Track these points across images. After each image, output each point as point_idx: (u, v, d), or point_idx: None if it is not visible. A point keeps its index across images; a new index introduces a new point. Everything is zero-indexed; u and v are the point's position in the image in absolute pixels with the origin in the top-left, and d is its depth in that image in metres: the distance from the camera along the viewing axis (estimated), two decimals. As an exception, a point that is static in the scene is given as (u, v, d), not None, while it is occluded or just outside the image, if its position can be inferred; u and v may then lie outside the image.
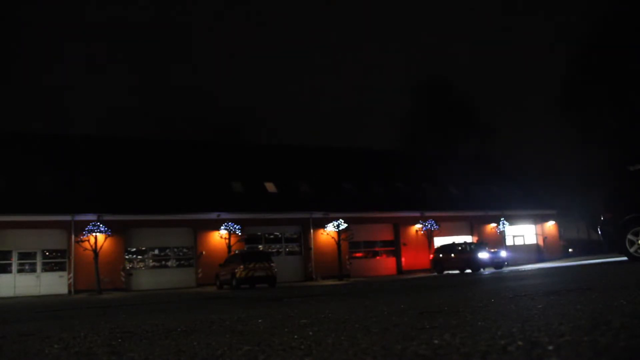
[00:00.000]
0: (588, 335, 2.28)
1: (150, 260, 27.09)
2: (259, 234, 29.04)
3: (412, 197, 33.27)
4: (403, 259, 31.31)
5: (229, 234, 26.83)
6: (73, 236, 24.65)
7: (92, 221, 24.44)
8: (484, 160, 41.81)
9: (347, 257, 29.62)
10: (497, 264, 24.50)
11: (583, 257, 35.11)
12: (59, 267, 25.09)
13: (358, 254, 31.18)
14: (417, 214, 31.66)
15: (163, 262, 27.42)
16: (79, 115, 70.46)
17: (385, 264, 31.44)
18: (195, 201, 27.74)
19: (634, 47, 34.84)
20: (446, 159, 39.15)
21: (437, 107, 51.88)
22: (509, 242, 34.29)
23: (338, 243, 28.10)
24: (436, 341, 2.42)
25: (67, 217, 24.85)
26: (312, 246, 29.20)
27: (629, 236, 9.59)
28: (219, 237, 27.13)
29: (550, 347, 2.06)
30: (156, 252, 27.28)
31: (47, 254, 25.14)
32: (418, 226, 31.55)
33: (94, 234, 24.09)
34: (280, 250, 29.35)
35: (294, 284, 23.49)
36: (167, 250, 27.42)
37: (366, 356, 2.21)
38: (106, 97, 76.77)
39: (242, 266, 20.80)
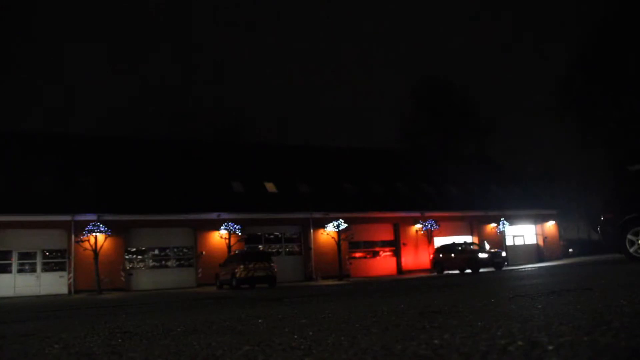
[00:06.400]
0: (588, 335, 2.28)
1: (150, 260, 27.07)
2: (259, 234, 29.02)
3: (412, 197, 33.24)
4: (403, 259, 31.29)
5: (229, 234, 26.82)
6: (73, 236, 24.63)
7: (92, 221, 24.42)
8: (484, 160, 41.79)
9: (347, 257, 29.61)
10: (497, 264, 24.47)
11: (583, 257, 35.11)
12: (59, 267, 25.06)
13: (358, 254, 31.16)
14: (417, 214, 31.64)
15: (163, 262, 27.40)
16: (79, 115, 70.43)
17: (385, 264, 31.43)
18: (195, 201, 27.71)
19: (634, 47, 34.84)
20: (446, 159, 39.13)
21: (437, 107, 51.85)
22: (509, 242, 34.26)
23: (338, 243, 28.08)
24: (436, 341, 2.43)
25: (67, 217, 24.83)
26: (312, 246, 29.19)
27: (629, 236, 9.57)
28: (219, 237, 27.11)
29: (550, 347, 2.06)
30: (156, 252, 27.26)
31: (47, 254, 25.11)
32: (418, 226, 31.53)
33: (94, 234, 24.07)
34: (280, 250, 29.33)
35: (294, 284, 23.48)
36: (167, 250, 27.40)
37: (366, 356, 2.22)
38: (106, 96, 76.73)
39: (242, 266, 20.79)
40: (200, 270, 26.77)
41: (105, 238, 24.62)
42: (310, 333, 3.12)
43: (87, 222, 24.33)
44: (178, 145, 33.71)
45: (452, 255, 25.85)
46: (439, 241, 30.64)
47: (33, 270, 24.64)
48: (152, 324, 4.63)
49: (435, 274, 25.90)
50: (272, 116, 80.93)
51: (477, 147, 48.95)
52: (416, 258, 31.28)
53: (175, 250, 27.55)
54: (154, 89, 75.65)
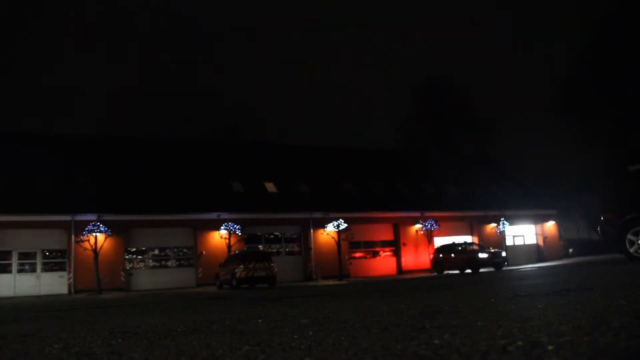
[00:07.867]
0: (588, 335, 2.28)
1: (150, 260, 27.06)
2: (259, 234, 29.01)
3: (412, 197, 33.24)
4: (403, 259, 31.29)
5: (229, 234, 26.81)
6: (73, 236, 24.63)
7: (92, 221, 24.42)
8: (484, 160, 41.77)
9: (347, 257, 29.60)
10: (497, 264, 24.47)
11: (583, 257, 35.10)
12: (59, 267, 25.06)
13: (358, 254, 31.16)
14: (417, 214, 31.64)
15: (163, 262, 27.40)
16: (79, 115, 70.46)
17: (385, 264, 31.42)
18: (195, 201, 27.71)
19: (634, 47, 34.82)
20: (446, 159, 39.11)
21: (437, 107, 51.84)
22: (509, 242, 34.26)
23: (338, 243, 28.08)
24: (436, 341, 2.43)
25: (67, 217, 24.83)
26: (312, 246, 29.19)
27: (629, 236, 9.58)
28: (219, 237, 27.11)
29: (550, 347, 2.06)
30: (156, 252, 27.26)
31: (47, 254, 25.10)
32: (418, 226, 31.52)
33: (94, 234, 24.07)
34: (280, 250, 29.33)
35: (294, 284, 23.48)
36: (167, 250, 27.40)
37: (366, 356, 2.22)
38: (106, 96, 76.76)
39: (242, 266, 20.79)
40: (200, 270, 26.77)
41: (105, 238, 24.62)
42: (310, 333, 3.12)
43: (87, 222, 24.33)
44: (178, 145, 33.71)
45: (452, 255, 25.85)
46: (439, 241, 30.63)
47: (33, 270, 24.63)
48: (152, 324, 4.63)
49: (435, 274, 25.90)
50: (272, 116, 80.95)
51: (477, 147, 48.93)
52: (416, 258, 31.28)
53: (175, 250, 27.55)
54: (154, 88, 75.70)
